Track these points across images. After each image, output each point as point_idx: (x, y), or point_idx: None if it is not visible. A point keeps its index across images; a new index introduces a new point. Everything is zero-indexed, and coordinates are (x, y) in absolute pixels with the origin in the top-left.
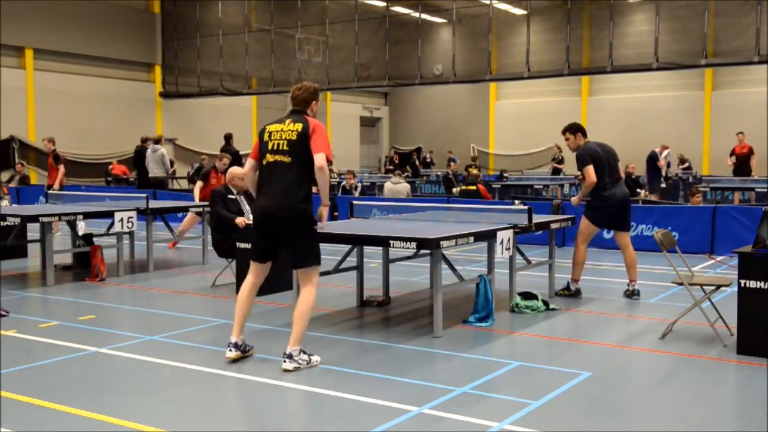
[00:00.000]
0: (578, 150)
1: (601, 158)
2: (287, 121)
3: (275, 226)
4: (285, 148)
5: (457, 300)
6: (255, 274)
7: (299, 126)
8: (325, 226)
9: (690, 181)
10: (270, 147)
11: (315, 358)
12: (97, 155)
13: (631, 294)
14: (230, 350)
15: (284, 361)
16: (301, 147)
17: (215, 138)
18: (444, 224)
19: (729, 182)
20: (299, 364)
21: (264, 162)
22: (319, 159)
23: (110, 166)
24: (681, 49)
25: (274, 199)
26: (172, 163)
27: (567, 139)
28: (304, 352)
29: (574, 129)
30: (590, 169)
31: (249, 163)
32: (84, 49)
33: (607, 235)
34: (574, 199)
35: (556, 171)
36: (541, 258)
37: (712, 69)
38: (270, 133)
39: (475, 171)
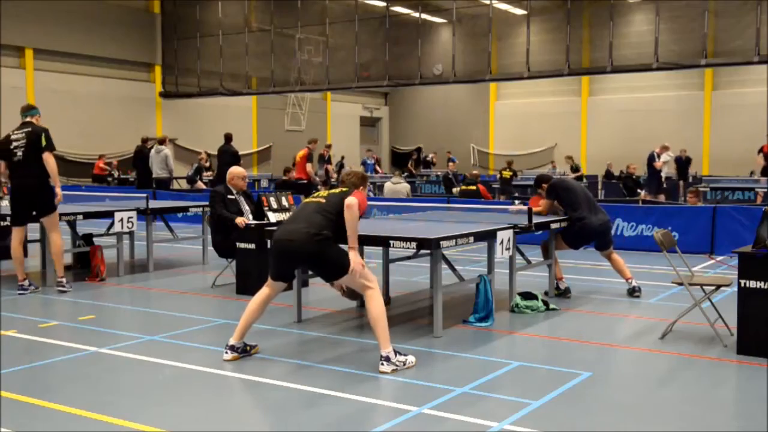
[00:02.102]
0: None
1: (577, 192)
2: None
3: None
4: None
5: (457, 300)
6: (272, 289)
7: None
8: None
9: (690, 181)
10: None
11: (410, 359)
12: (97, 155)
13: (632, 291)
14: (226, 352)
15: (381, 365)
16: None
17: (215, 138)
18: (444, 224)
19: (728, 182)
20: (396, 365)
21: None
22: (349, 200)
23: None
24: (681, 49)
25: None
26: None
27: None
28: (399, 353)
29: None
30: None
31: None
32: (84, 49)
33: None
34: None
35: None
36: (541, 258)
37: (712, 69)
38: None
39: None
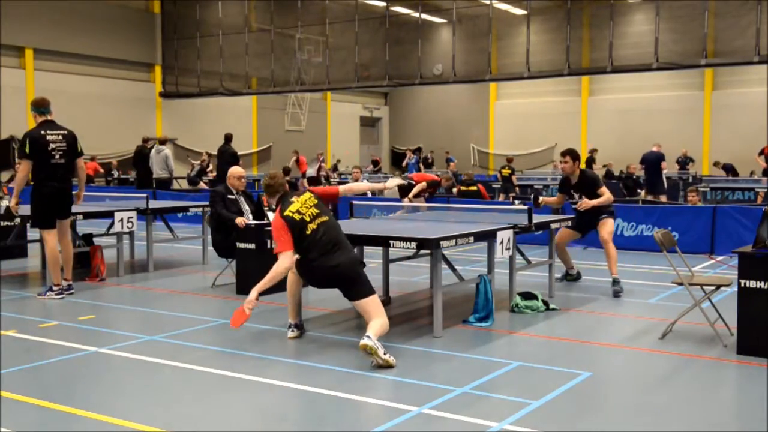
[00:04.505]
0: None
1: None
2: (294, 199)
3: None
4: (317, 212)
5: (457, 300)
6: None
7: (308, 195)
8: None
9: (690, 181)
10: (308, 220)
11: (391, 358)
12: (97, 155)
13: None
14: (292, 330)
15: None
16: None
17: (215, 138)
18: (444, 224)
19: (728, 182)
20: (375, 344)
21: (309, 233)
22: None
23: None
24: (681, 49)
25: (346, 254)
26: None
27: (566, 163)
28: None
29: (575, 156)
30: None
31: (287, 256)
32: (84, 49)
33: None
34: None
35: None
36: (541, 258)
37: (712, 69)
38: (300, 211)
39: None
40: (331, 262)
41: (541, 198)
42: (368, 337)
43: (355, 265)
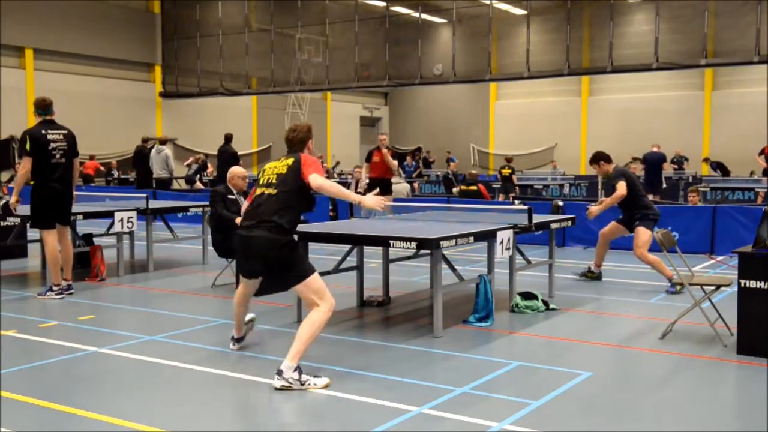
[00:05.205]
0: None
1: (634, 180)
2: (281, 158)
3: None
4: (274, 181)
5: (457, 300)
6: (245, 285)
7: (290, 160)
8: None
9: (689, 181)
10: (261, 182)
11: (317, 381)
12: (96, 155)
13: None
14: (233, 344)
15: (275, 377)
16: (291, 178)
17: (215, 138)
18: (444, 224)
19: (728, 182)
20: (289, 382)
21: (254, 195)
22: (314, 180)
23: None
24: (681, 49)
25: (268, 232)
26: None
27: (596, 169)
28: (303, 372)
29: (597, 158)
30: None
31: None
32: (84, 49)
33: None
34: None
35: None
36: (541, 258)
37: (712, 69)
38: (264, 170)
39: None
40: (250, 232)
41: (590, 208)
42: (278, 374)
43: (271, 247)
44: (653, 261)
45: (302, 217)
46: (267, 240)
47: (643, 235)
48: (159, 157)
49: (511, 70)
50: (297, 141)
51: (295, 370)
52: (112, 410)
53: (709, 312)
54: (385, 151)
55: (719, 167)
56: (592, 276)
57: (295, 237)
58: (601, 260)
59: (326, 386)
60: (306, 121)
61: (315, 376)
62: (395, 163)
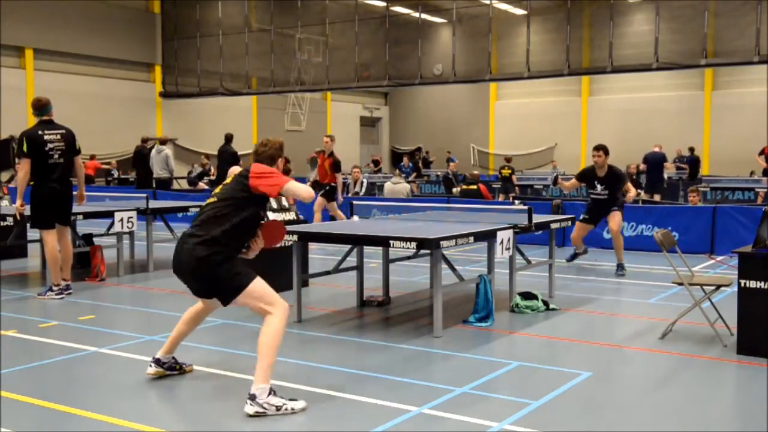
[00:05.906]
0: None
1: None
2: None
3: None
4: (218, 191)
5: (457, 300)
6: (202, 301)
7: (241, 170)
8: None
9: (689, 181)
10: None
11: (294, 404)
12: (96, 155)
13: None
14: (150, 365)
15: (246, 403)
16: (233, 189)
17: (215, 138)
18: (444, 224)
19: (728, 182)
20: (264, 408)
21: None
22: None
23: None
24: (681, 49)
25: (196, 244)
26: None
27: (599, 157)
28: (276, 395)
29: (607, 150)
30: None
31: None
32: (84, 49)
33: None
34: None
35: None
36: (541, 258)
37: (712, 69)
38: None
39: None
40: (182, 241)
41: (559, 179)
42: (250, 399)
43: (193, 260)
44: (621, 240)
45: (302, 217)
46: (189, 254)
47: (619, 216)
48: (159, 157)
49: (511, 70)
50: (265, 156)
51: (269, 394)
52: (112, 410)
53: (709, 312)
54: (326, 156)
55: (690, 164)
56: (580, 252)
57: (235, 250)
58: (581, 245)
59: (303, 410)
60: (306, 121)
61: (291, 399)
62: (336, 171)
